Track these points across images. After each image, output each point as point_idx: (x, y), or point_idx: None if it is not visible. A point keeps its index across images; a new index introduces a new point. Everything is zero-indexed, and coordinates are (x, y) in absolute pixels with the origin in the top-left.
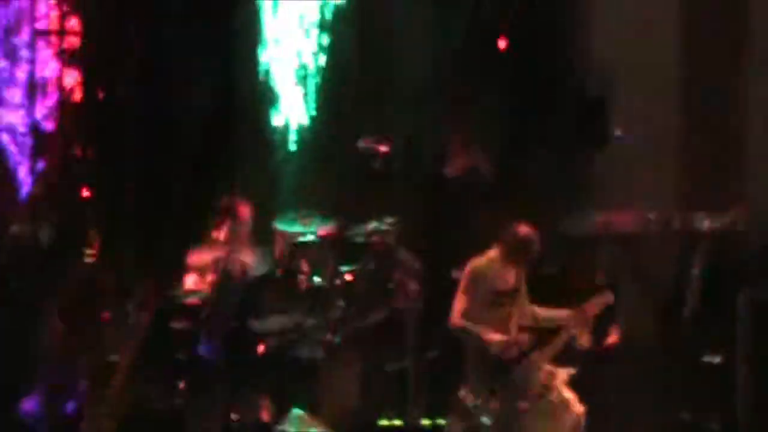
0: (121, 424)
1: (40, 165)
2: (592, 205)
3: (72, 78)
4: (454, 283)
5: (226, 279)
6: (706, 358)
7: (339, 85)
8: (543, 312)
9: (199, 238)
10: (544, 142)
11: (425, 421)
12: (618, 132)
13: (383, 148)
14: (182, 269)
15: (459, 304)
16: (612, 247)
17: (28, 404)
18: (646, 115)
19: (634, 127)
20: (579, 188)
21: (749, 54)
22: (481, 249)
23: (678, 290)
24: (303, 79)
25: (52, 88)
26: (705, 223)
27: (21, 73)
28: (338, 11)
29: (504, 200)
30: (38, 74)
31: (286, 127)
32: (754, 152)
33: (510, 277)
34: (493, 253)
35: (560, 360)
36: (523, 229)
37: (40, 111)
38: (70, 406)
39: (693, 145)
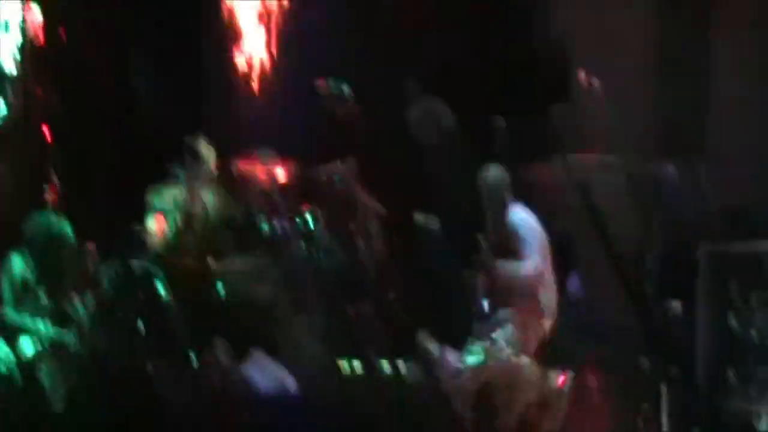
0: (83, 367)
1: (1, 106)
2: (556, 151)
3: (35, 18)
4: (415, 226)
5: (187, 220)
6: (667, 306)
7: (302, 25)
8: None
9: (161, 178)
10: (509, 90)
11: (384, 363)
12: (583, 78)
13: (343, 90)
14: (143, 209)
15: None
16: (573, 193)
17: None
18: (613, 62)
19: (601, 75)
20: (543, 135)
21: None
22: (441, 192)
23: (639, 238)
24: (266, 18)
25: (14, 29)
26: (668, 171)
27: None
28: None
29: (466, 146)
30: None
31: (249, 67)
32: (717, 104)
33: None
34: None
35: None
36: None
37: (2, 52)
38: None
39: (658, 93)
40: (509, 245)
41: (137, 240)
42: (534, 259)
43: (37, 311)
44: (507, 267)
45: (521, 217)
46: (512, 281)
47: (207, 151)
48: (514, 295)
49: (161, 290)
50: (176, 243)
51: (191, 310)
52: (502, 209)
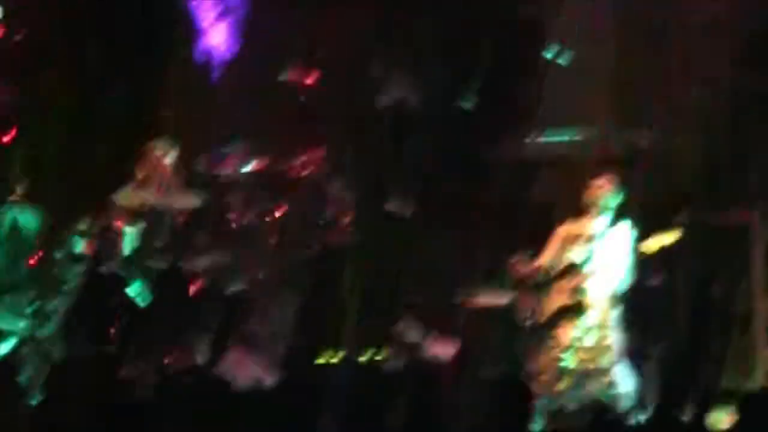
0: (52, 371)
1: None
2: (528, 129)
3: None
4: (387, 215)
5: (155, 219)
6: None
7: (263, 16)
8: None
9: (127, 178)
10: (477, 67)
11: (362, 357)
12: (552, 52)
13: (309, 80)
14: (110, 211)
15: None
16: (548, 170)
17: None
18: (580, 34)
19: (570, 46)
20: (514, 111)
21: None
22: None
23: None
24: (226, 12)
25: None
26: (643, 140)
27: None
28: None
29: (437, 129)
30: None
31: (210, 62)
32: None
33: None
34: None
35: None
36: None
37: None
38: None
39: (628, 64)
40: None
41: (107, 242)
42: None
43: (14, 309)
44: None
45: None
46: None
47: (171, 149)
48: None
49: (133, 293)
50: (146, 244)
51: (165, 310)
52: None
